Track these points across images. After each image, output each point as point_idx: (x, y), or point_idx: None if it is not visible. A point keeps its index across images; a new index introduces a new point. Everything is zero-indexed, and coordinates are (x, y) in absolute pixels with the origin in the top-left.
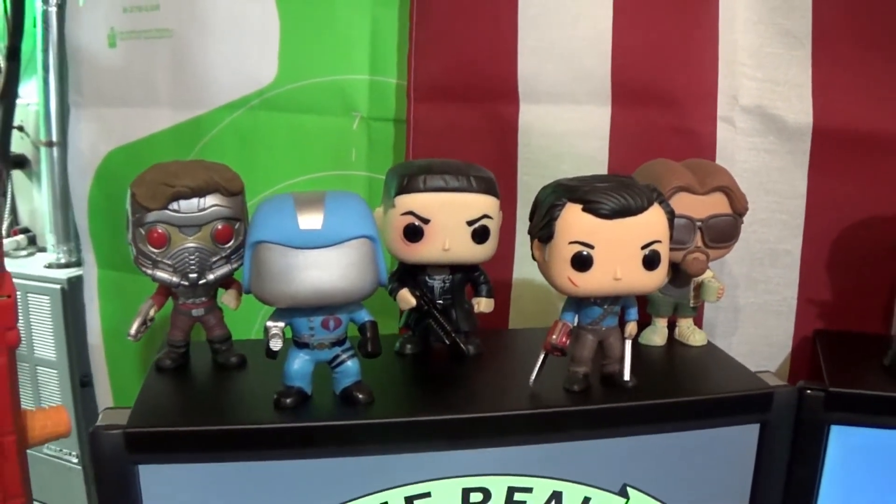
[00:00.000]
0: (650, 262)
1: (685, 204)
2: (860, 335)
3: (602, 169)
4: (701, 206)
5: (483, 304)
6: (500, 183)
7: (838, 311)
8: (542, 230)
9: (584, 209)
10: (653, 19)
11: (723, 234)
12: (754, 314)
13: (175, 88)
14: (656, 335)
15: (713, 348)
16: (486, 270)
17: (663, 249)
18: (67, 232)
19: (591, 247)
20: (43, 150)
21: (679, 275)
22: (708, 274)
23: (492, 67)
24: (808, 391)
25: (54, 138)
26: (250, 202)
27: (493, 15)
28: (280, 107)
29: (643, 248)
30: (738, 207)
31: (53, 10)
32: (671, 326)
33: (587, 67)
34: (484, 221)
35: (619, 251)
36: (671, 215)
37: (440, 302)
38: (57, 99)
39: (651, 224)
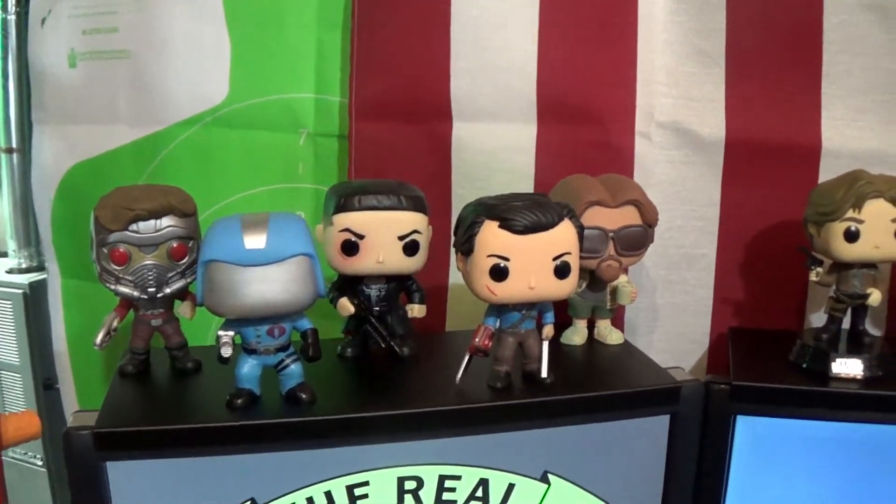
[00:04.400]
0: (561, 272)
1: (598, 216)
2: (772, 332)
3: (529, 181)
4: (613, 218)
5: (416, 310)
6: (436, 196)
7: (753, 310)
8: (464, 244)
9: (500, 226)
10: (575, 43)
11: (634, 243)
12: (672, 314)
13: (133, 106)
14: (576, 335)
15: (629, 346)
16: (418, 279)
17: (573, 260)
18: (28, 237)
19: (507, 259)
20: (3, 156)
21: (595, 280)
22: (622, 279)
23: (427, 88)
24: (714, 385)
25: (14, 145)
26: (205, 213)
27: (428, 39)
28: (232, 123)
29: (554, 259)
30: (648, 219)
31: (12, 18)
32: (591, 327)
33: (515, 87)
34: (414, 236)
35: (532, 263)
36: (581, 229)
37: (377, 309)
38: (16, 106)
39: (561, 238)
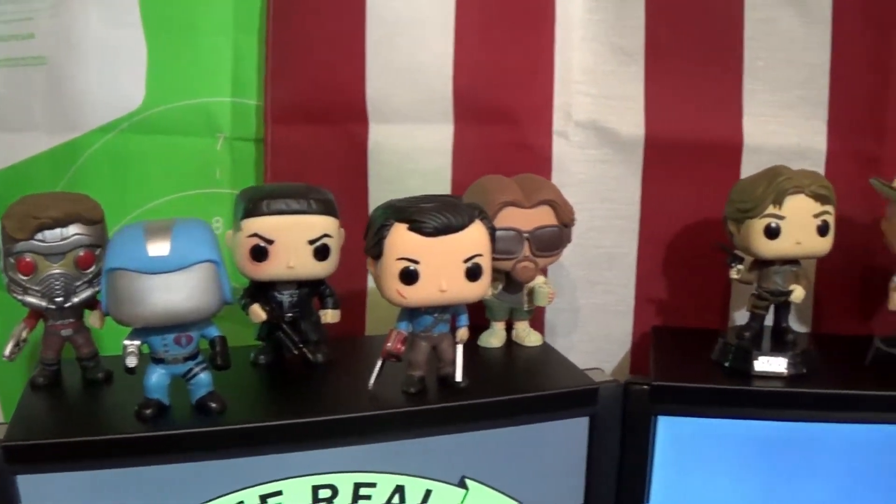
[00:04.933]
0: (472, 274)
1: (513, 217)
2: (695, 331)
3: (446, 183)
4: (528, 218)
5: (329, 316)
6: (353, 199)
7: (676, 309)
8: (374, 248)
9: (409, 228)
10: (492, 42)
11: (549, 243)
12: (594, 314)
13: (50, 113)
14: (494, 338)
15: (548, 348)
16: (332, 284)
17: (484, 262)
18: None
19: (417, 262)
20: None
21: (512, 282)
22: (539, 280)
23: (342, 90)
24: (633, 385)
25: None
26: (123, 220)
27: (343, 40)
28: (149, 129)
29: (465, 261)
30: (564, 218)
31: None
32: (510, 329)
33: (431, 88)
34: (324, 240)
35: (442, 265)
36: (492, 230)
37: (289, 315)
38: None
39: (472, 240)
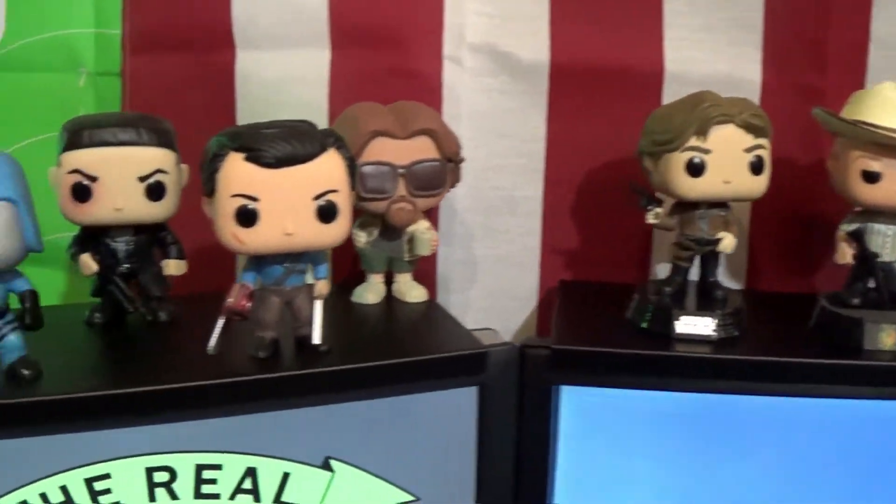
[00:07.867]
0: (326, 213)
1: (385, 149)
2: (610, 286)
3: (323, 115)
4: (403, 151)
5: (172, 267)
6: None
7: (589, 261)
8: (207, 183)
9: (246, 158)
10: None
11: (429, 181)
12: (494, 266)
13: None
14: (369, 292)
15: (433, 305)
16: (173, 229)
17: (341, 199)
18: None
19: (256, 199)
20: None
21: (390, 227)
22: (422, 225)
23: (205, 14)
24: (531, 349)
25: None
26: None
27: None
28: (7, 66)
29: (316, 198)
30: (447, 152)
31: None
32: (391, 282)
33: (303, 8)
34: (158, 177)
35: (287, 203)
36: (352, 162)
37: (125, 266)
38: None
39: (324, 172)
